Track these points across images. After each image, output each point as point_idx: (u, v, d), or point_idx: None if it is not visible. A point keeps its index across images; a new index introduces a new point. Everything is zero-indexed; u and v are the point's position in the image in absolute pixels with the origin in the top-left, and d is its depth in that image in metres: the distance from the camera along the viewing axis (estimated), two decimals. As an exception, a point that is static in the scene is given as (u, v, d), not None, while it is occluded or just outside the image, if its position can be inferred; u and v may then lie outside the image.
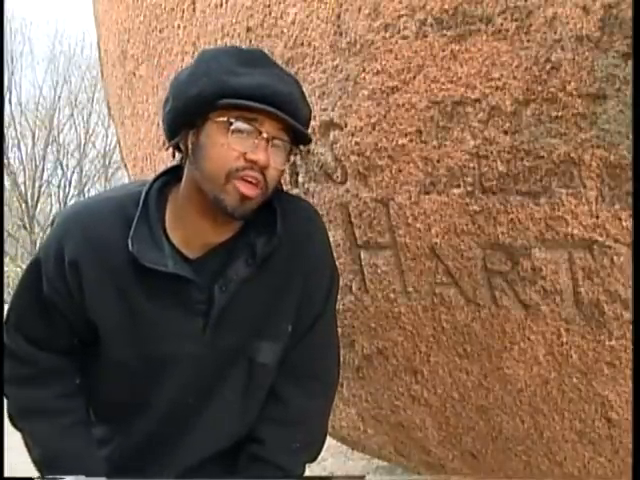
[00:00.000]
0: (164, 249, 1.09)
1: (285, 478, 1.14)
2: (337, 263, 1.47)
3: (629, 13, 1.01)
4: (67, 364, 1.17)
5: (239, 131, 1.03)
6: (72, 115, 17.35)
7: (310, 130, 1.40)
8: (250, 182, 1.04)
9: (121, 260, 1.08)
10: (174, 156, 1.14)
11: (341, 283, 1.49)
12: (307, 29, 1.37)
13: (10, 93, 16.25)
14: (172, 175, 1.15)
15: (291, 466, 1.18)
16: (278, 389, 1.19)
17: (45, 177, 17.02)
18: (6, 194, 14.87)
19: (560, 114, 1.10)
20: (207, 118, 1.05)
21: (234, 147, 1.03)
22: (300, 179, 1.48)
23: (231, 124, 1.03)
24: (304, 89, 1.14)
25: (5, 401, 1.18)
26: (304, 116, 1.10)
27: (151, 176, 1.18)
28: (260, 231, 1.13)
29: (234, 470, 1.20)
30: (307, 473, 1.23)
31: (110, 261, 1.09)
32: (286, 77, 1.10)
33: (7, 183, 15.37)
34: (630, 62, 1.03)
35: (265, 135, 1.03)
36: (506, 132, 1.16)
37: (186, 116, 1.06)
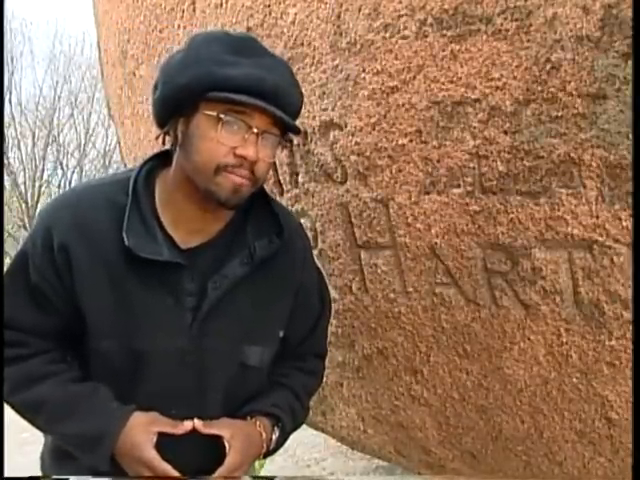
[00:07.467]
0: (158, 238, 1.08)
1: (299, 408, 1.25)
2: (337, 263, 1.48)
3: (629, 13, 1.01)
4: (56, 345, 1.14)
5: (229, 125, 1.02)
6: (72, 115, 17.32)
7: (310, 130, 1.41)
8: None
9: (112, 248, 1.07)
10: (164, 142, 1.12)
11: (341, 283, 1.49)
12: (307, 29, 1.37)
13: (10, 93, 16.23)
14: (159, 160, 1.15)
15: (305, 403, 1.27)
16: (304, 364, 1.27)
17: (45, 177, 17.00)
18: (6, 194, 14.86)
19: (560, 114, 1.10)
20: (196, 107, 1.04)
21: (223, 142, 1.02)
22: (300, 179, 1.48)
23: (220, 119, 1.01)
24: (305, 89, 1.13)
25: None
26: (294, 106, 1.08)
27: None
28: (259, 233, 1.13)
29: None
30: (307, 473, 1.23)
31: (101, 249, 1.08)
32: (276, 66, 1.06)
33: (7, 183, 15.36)
34: (630, 62, 1.03)
35: (255, 130, 1.02)
36: (506, 132, 1.16)
37: (175, 105, 1.05)
